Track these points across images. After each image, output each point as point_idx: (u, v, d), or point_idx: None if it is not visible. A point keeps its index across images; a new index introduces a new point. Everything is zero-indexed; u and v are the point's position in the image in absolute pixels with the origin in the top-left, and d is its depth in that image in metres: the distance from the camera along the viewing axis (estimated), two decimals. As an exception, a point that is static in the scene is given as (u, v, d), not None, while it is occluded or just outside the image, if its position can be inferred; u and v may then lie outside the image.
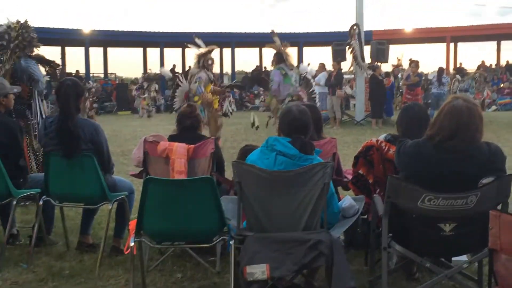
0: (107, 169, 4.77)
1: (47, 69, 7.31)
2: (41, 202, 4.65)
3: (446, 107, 3.36)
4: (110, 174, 4.87)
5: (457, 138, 3.26)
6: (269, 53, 10.22)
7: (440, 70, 18.06)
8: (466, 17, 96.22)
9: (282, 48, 9.71)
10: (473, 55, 58.91)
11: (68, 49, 34.35)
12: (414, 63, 17.92)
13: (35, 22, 7.40)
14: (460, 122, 3.27)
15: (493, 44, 36.95)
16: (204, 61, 9.07)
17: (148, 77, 23.17)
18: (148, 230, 3.76)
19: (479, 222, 3.19)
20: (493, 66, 33.48)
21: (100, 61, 34.90)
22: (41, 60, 7.08)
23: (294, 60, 10.06)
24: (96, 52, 34.38)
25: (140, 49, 35.71)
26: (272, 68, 10.13)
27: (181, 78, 9.29)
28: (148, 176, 4.26)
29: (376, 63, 18.53)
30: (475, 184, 3.25)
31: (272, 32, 10.09)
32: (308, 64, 11.58)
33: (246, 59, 64.46)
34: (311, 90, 10.19)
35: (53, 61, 7.33)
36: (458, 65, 33.20)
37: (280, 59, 9.70)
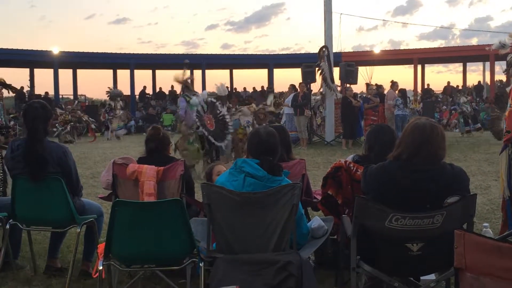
0: (75, 192, 4.73)
1: (9, 92, 7.20)
2: (7, 226, 4.58)
3: (409, 127, 3.45)
4: (79, 197, 4.82)
5: (420, 155, 3.33)
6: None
7: (403, 91, 17.34)
8: (433, 39, 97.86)
9: (184, 79, 10.47)
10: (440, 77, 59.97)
11: (37, 71, 34.07)
12: (370, 86, 18.03)
13: (3, 44, 7.34)
14: (423, 137, 3.33)
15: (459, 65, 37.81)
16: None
17: (112, 96, 22.85)
18: (117, 253, 3.73)
19: (446, 241, 3.20)
20: (460, 87, 34.11)
21: (69, 82, 34.66)
22: (1, 83, 6.97)
23: (194, 86, 10.83)
24: (65, 74, 34.17)
25: (110, 71, 35.55)
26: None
27: None
28: (116, 199, 4.24)
29: (345, 84, 18.73)
30: (440, 204, 3.30)
31: (184, 62, 11.03)
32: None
33: (216, 81, 64.66)
34: (219, 113, 10.63)
35: (10, 85, 7.20)
36: (425, 86, 33.77)
37: (184, 88, 10.48)
